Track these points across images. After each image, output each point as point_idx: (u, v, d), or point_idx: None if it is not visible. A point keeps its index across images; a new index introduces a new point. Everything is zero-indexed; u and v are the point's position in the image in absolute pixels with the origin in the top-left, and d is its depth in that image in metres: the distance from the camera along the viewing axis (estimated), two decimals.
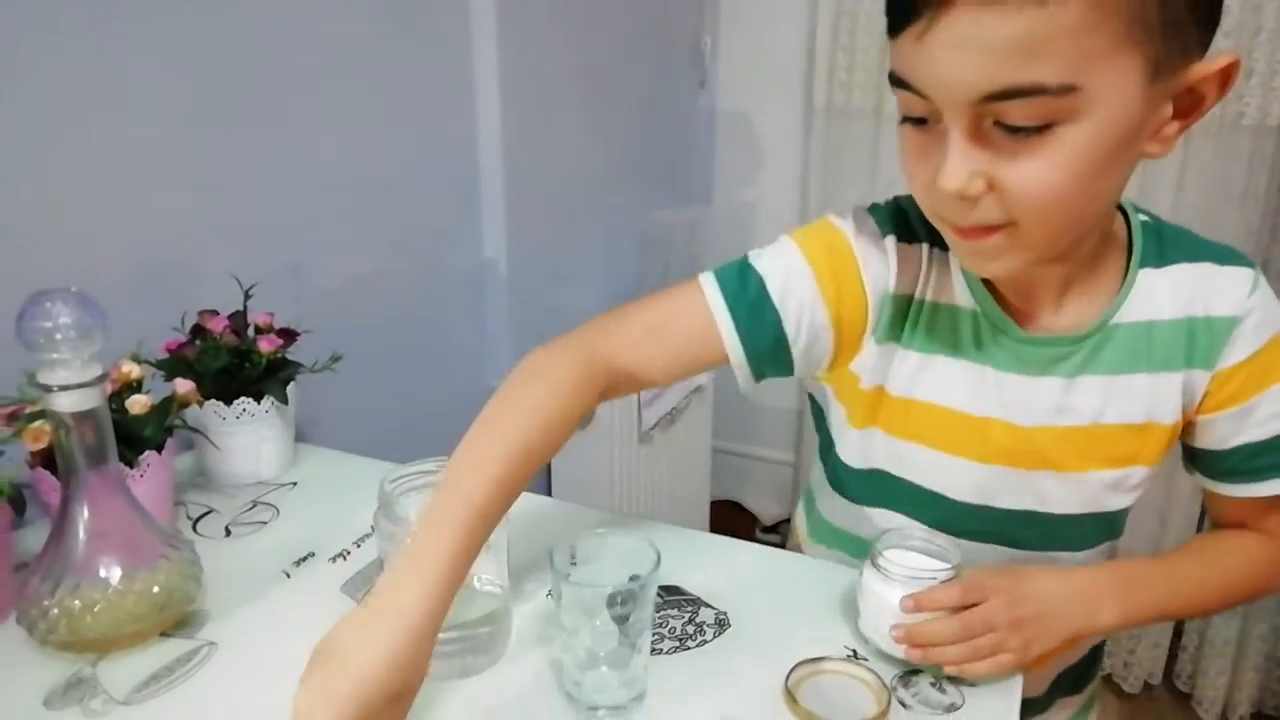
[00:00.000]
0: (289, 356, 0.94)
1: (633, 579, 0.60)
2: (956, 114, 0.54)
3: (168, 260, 1.00)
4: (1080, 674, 0.85)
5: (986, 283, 0.69)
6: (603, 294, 1.79)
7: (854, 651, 0.68)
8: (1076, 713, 0.87)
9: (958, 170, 0.55)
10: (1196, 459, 0.73)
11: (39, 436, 0.73)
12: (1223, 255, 0.68)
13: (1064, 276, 0.67)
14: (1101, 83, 0.51)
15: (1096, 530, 0.74)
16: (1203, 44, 0.55)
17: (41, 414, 0.74)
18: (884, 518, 0.77)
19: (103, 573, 0.66)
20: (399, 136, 1.31)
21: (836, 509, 0.83)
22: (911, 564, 0.66)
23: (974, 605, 0.63)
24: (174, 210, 1.00)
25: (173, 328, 0.91)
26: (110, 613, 0.66)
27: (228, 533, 0.85)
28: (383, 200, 1.30)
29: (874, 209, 0.72)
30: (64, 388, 0.62)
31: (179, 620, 0.71)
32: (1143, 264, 0.67)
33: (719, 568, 0.79)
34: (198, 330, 0.91)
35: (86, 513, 0.66)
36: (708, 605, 0.74)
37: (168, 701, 0.63)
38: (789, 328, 0.69)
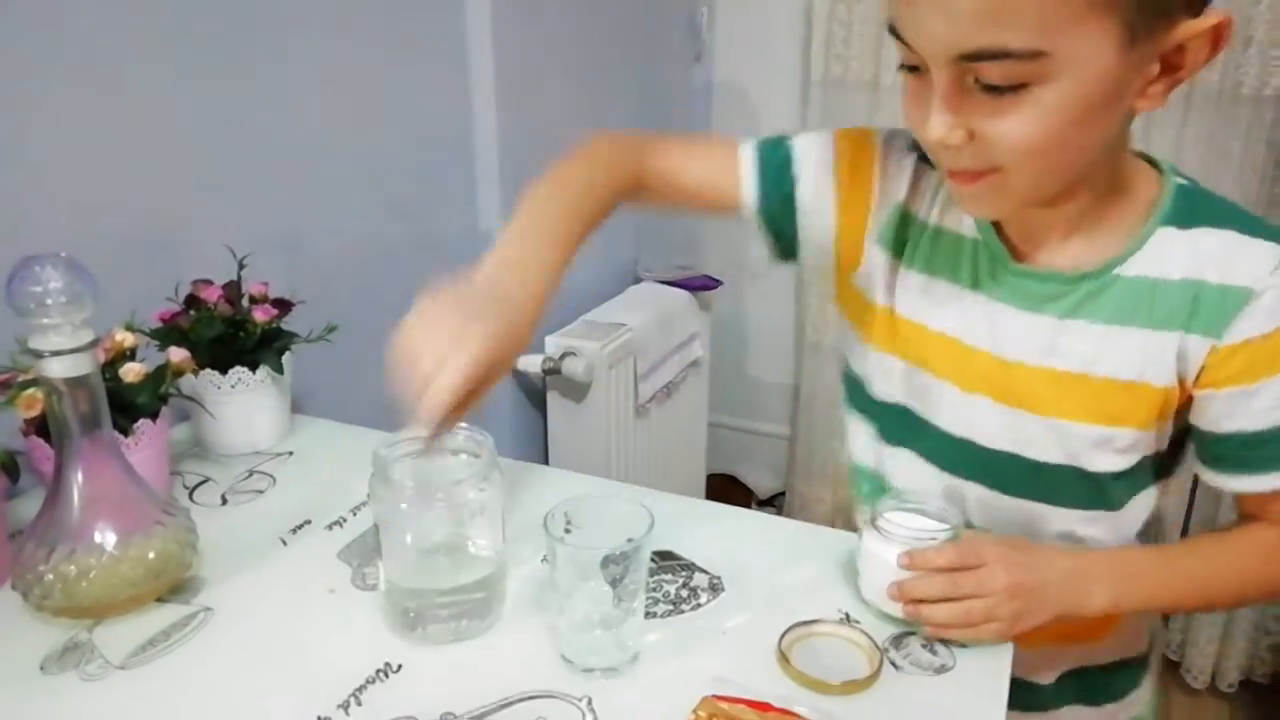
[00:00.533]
0: (284, 326, 0.94)
1: (627, 541, 0.60)
2: (940, 69, 0.57)
3: (161, 229, 0.99)
4: (1097, 685, 0.81)
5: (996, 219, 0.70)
6: (598, 266, 1.79)
7: (847, 615, 0.68)
8: None
9: (939, 121, 0.58)
10: (1195, 440, 0.70)
11: (32, 404, 0.73)
12: (1254, 227, 0.64)
13: (1068, 221, 0.67)
14: (1072, 48, 0.53)
15: (1080, 489, 0.71)
16: (1191, 5, 0.56)
17: (34, 382, 0.74)
18: (867, 439, 0.80)
19: (98, 538, 0.66)
20: (394, 106, 1.30)
21: (852, 437, 0.84)
22: (911, 525, 0.67)
23: (970, 568, 0.64)
24: (168, 179, 0.99)
25: (166, 298, 0.90)
26: (105, 579, 0.66)
27: (224, 501, 0.85)
28: (378, 170, 1.29)
29: (909, 132, 0.74)
30: (56, 353, 0.62)
31: (175, 586, 0.71)
32: (1165, 222, 0.66)
33: (713, 533, 0.79)
34: (192, 300, 0.90)
35: (81, 479, 0.66)
36: (702, 570, 0.74)
37: (164, 666, 0.63)
38: (800, 186, 0.76)
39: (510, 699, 0.60)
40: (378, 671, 0.63)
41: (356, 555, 0.76)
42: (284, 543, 0.78)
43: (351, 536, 0.79)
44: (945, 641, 0.65)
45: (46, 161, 0.87)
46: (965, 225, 0.72)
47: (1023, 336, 0.69)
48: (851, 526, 0.82)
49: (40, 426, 0.75)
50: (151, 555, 0.68)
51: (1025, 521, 0.74)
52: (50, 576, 0.65)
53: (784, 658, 0.63)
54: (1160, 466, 0.73)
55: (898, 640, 0.66)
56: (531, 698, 0.60)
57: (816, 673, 0.61)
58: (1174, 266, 0.65)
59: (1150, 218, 0.66)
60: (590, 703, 0.60)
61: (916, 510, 0.69)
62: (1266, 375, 0.63)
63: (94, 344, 0.64)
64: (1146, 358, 0.66)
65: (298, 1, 1.12)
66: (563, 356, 1.53)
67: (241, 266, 0.94)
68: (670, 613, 0.69)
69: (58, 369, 0.62)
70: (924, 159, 0.73)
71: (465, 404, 0.59)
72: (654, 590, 0.71)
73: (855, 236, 0.76)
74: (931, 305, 0.73)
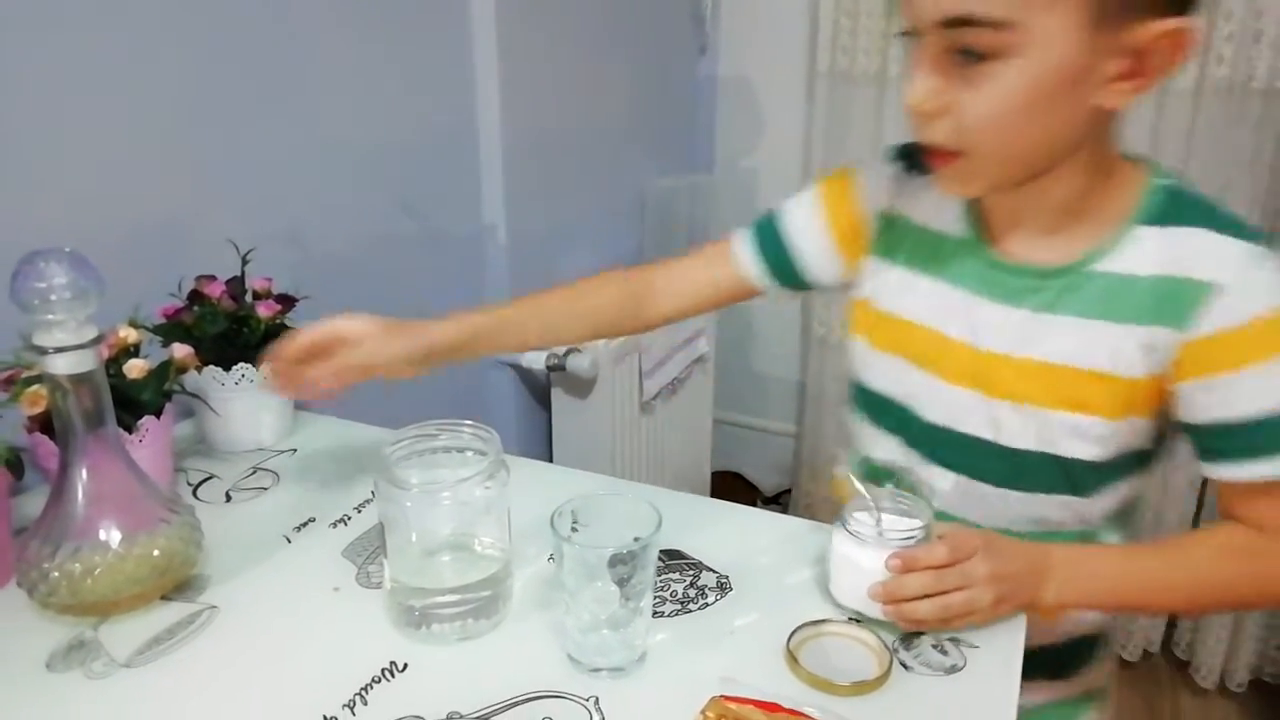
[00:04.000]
0: (287, 322, 0.94)
1: (634, 540, 0.59)
2: (925, 35, 0.61)
3: (164, 224, 0.99)
4: (1058, 661, 0.82)
5: (977, 215, 0.73)
6: (602, 261, 1.78)
7: (856, 614, 0.68)
8: (1060, 702, 0.84)
9: (920, 84, 0.62)
10: (1187, 435, 0.71)
11: (36, 401, 0.73)
12: (1226, 224, 0.65)
13: (1048, 216, 0.69)
14: (1039, 23, 0.57)
15: (1052, 475, 0.72)
16: (1157, 5, 0.58)
17: (39, 378, 0.73)
18: (863, 430, 0.84)
19: (102, 536, 0.66)
20: (397, 102, 1.29)
21: (855, 429, 0.87)
22: (884, 526, 0.66)
23: (957, 563, 0.63)
24: (171, 175, 0.99)
25: (169, 293, 0.90)
26: (110, 576, 0.65)
27: (228, 498, 0.85)
28: (381, 166, 1.28)
29: (891, 146, 0.81)
30: (60, 350, 0.62)
31: (180, 584, 0.71)
32: (1143, 221, 0.67)
33: (720, 532, 0.79)
34: (195, 296, 0.90)
35: (85, 476, 0.65)
36: (709, 569, 0.74)
37: (169, 664, 0.63)
38: (793, 241, 0.84)
39: (517, 698, 0.60)
40: (383, 670, 0.62)
41: (361, 553, 0.76)
42: (288, 540, 0.78)
43: (356, 534, 0.79)
44: (956, 641, 0.65)
45: (49, 157, 0.87)
46: (950, 225, 0.75)
47: (1001, 329, 0.71)
48: None
49: (45, 423, 0.75)
50: (156, 553, 0.67)
51: (997, 506, 0.75)
52: (55, 574, 0.64)
53: (793, 658, 0.62)
54: (1137, 460, 0.73)
55: (907, 640, 0.65)
56: (538, 697, 0.60)
57: (826, 673, 0.61)
58: (1147, 263, 0.66)
59: (1129, 216, 0.68)
60: (597, 702, 0.59)
61: (884, 509, 0.68)
62: (1235, 368, 0.64)
63: (98, 340, 0.64)
64: (1118, 351, 0.68)
65: (302, 1, 1.11)
66: (567, 353, 1.53)
67: (245, 262, 0.93)
68: (677, 612, 0.69)
69: (62, 365, 0.62)
70: (908, 167, 0.78)
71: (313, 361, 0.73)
72: (661, 589, 0.71)
73: (855, 255, 0.82)
74: (915, 299, 0.76)
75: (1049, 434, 0.71)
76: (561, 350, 1.53)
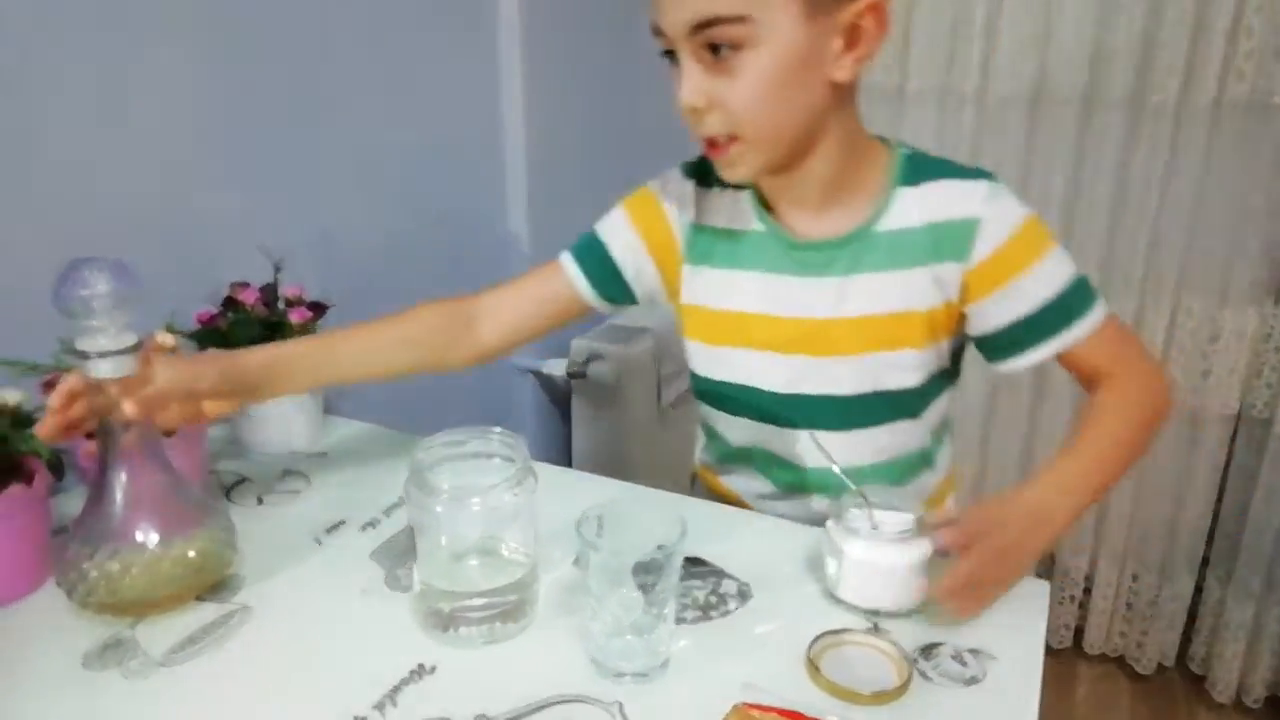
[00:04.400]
0: (318, 329, 0.95)
1: (659, 548, 0.61)
2: (682, 45, 0.71)
3: (200, 232, 1.01)
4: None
5: (768, 208, 0.84)
6: None
7: (876, 624, 0.69)
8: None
9: (687, 87, 0.72)
10: (985, 347, 0.83)
11: None
12: (965, 173, 0.79)
13: (819, 193, 0.80)
14: (768, 16, 0.68)
15: (887, 408, 0.84)
16: None
17: None
18: (719, 417, 0.93)
19: (140, 538, 0.67)
20: (424, 112, 1.31)
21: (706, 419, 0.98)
22: (878, 520, 0.70)
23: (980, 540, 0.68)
24: (206, 184, 1.01)
25: (205, 299, 0.92)
26: (148, 576, 0.67)
27: (260, 501, 0.87)
28: (408, 175, 1.30)
29: (683, 164, 0.90)
30: (102, 354, 0.63)
31: (214, 585, 0.72)
32: (900, 184, 0.80)
33: (741, 540, 0.80)
34: (229, 302, 0.92)
35: (125, 478, 0.67)
36: (730, 576, 0.75)
37: (203, 663, 0.65)
38: (616, 257, 0.89)
39: (543, 702, 0.61)
40: (412, 672, 0.64)
41: (389, 556, 0.78)
42: (319, 543, 0.80)
43: (384, 537, 0.80)
44: (975, 652, 0.66)
45: (88, 165, 0.89)
46: (751, 223, 0.85)
47: (815, 298, 0.82)
48: None
49: None
50: (192, 554, 0.69)
51: (849, 446, 0.84)
52: (94, 574, 0.66)
53: (813, 666, 0.63)
54: (945, 377, 0.87)
55: (927, 650, 0.66)
56: (563, 701, 0.61)
57: (846, 682, 0.61)
58: (915, 216, 0.79)
59: (888, 183, 0.80)
60: (621, 708, 0.60)
61: (874, 506, 0.72)
62: (1010, 277, 0.77)
63: (138, 346, 0.66)
64: (908, 291, 0.80)
65: (332, 14, 1.13)
66: (588, 360, 1.54)
67: (278, 270, 0.95)
68: (699, 619, 0.70)
69: (104, 369, 0.64)
70: (701, 183, 0.88)
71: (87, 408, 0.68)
72: (683, 596, 0.72)
73: (674, 270, 0.89)
74: (738, 293, 0.85)
75: (875, 373, 0.82)
76: (582, 357, 1.54)
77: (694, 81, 0.72)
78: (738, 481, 0.95)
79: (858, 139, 0.80)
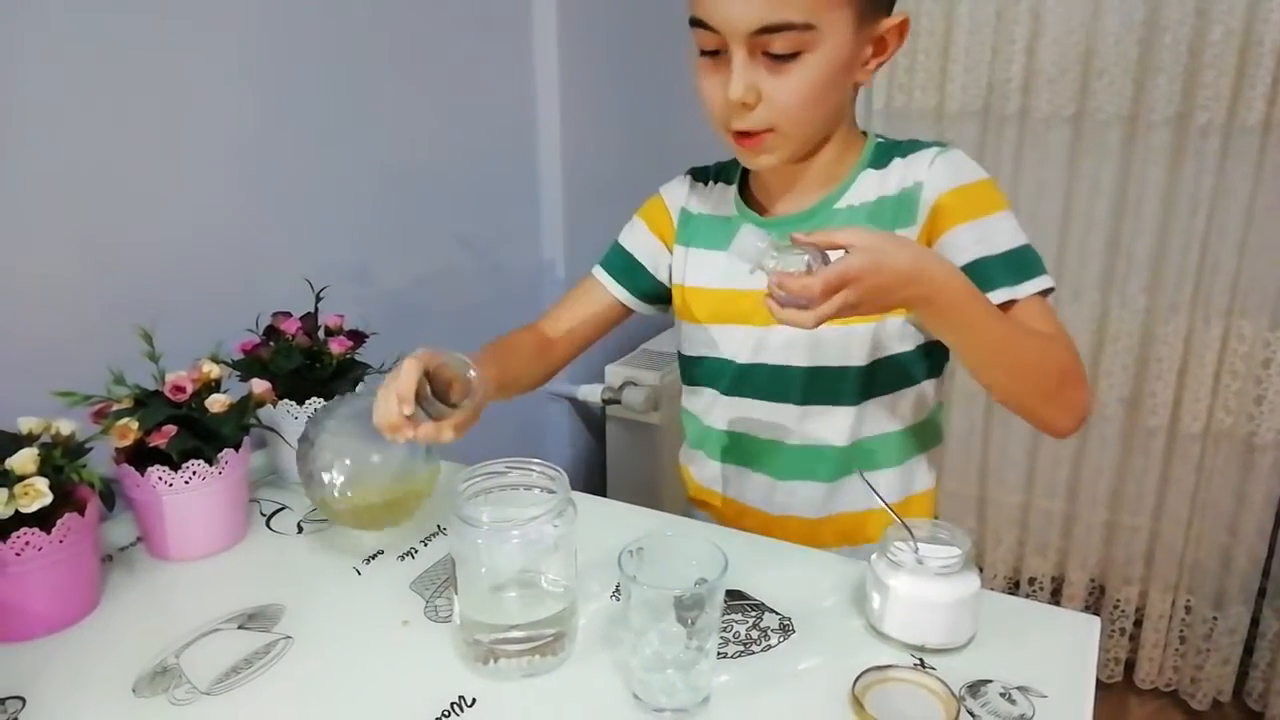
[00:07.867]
0: (357, 358, 0.96)
1: (700, 582, 0.60)
2: (738, 44, 0.75)
3: (242, 262, 1.03)
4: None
5: (744, 197, 0.91)
6: None
7: (921, 660, 0.67)
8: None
9: (739, 83, 0.76)
10: None
11: (125, 434, 0.76)
12: (916, 146, 0.85)
13: (810, 175, 0.86)
14: (828, 24, 0.75)
15: (849, 379, 0.87)
16: (887, 4, 0.79)
17: (128, 411, 0.77)
18: (697, 393, 0.96)
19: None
20: (460, 141, 1.33)
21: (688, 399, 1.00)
22: (923, 554, 0.68)
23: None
24: (248, 215, 1.03)
25: (247, 329, 0.94)
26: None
27: (300, 529, 0.87)
28: (445, 204, 1.32)
29: (692, 169, 0.98)
30: None
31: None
32: (867, 167, 0.86)
33: (783, 573, 0.79)
34: (271, 331, 0.93)
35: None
36: (771, 610, 0.74)
37: (248, 693, 0.65)
38: (637, 254, 0.98)
39: None
40: (453, 704, 0.63)
41: (428, 586, 0.78)
42: (358, 572, 0.80)
43: (423, 568, 0.80)
44: (1024, 689, 0.64)
45: (134, 203, 0.92)
46: (726, 208, 0.92)
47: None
48: None
49: (132, 455, 0.78)
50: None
51: (808, 419, 0.89)
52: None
53: (858, 704, 0.62)
54: (925, 353, 0.88)
55: (975, 688, 0.65)
56: None
57: None
58: (873, 193, 0.85)
59: (856, 165, 0.86)
60: None
61: (920, 538, 0.70)
62: (958, 223, 0.79)
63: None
64: None
65: (368, 44, 1.15)
66: (622, 386, 1.54)
67: (318, 299, 0.96)
68: (741, 653, 0.69)
69: None
70: (697, 178, 0.97)
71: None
72: (724, 630, 0.71)
73: (672, 253, 0.97)
74: (719, 271, 0.91)
75: (840, 344, 0.85)
76: (617, 384, 1.54)
77: (748, 79, 0.76)
78: (729, 481, 0.95)
79: (851, 131, 0.87)
